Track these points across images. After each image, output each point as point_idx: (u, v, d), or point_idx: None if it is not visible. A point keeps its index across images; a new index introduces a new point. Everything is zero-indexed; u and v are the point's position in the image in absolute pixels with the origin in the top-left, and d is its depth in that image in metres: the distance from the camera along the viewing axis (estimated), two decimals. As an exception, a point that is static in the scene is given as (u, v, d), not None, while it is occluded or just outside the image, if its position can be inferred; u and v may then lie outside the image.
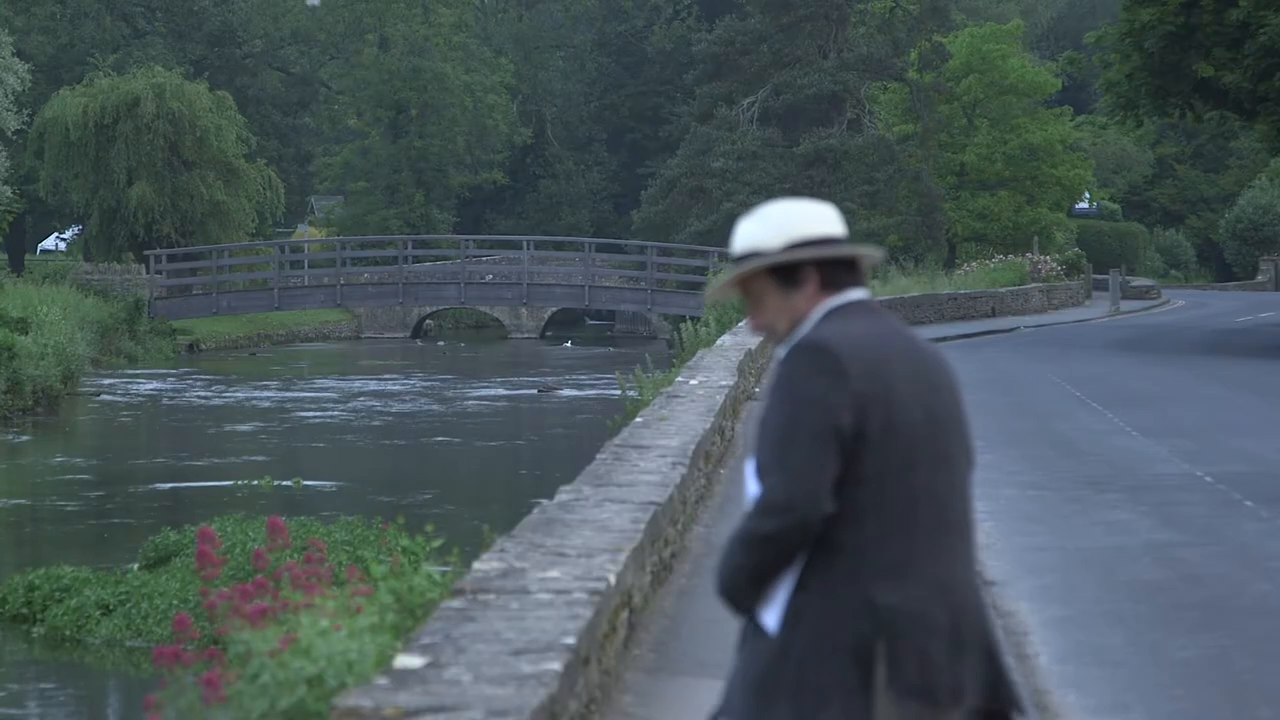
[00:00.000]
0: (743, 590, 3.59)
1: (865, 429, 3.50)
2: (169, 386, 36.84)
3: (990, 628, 3.63)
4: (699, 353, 20.50)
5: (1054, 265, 49.14)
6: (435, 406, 32.85)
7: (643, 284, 50.17)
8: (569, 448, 24.92)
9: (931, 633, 3.50)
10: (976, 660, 3.56)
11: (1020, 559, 10.91)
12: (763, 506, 3.53)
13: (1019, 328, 38.52)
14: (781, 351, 3.64)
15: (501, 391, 36.51)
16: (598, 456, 10.52)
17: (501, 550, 7.04)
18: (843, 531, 3.52)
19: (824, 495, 3.49)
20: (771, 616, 3.58)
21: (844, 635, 3.49)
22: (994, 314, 42.19)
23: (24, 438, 27.83)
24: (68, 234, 70.53)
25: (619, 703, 6.88)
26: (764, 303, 3.67)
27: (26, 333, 31.76)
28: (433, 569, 6.65)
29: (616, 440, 11.48)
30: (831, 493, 3.50)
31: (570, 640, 5.43)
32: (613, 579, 6.58)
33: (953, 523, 3.58)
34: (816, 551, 3.53)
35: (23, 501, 20.99)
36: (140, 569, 14.79)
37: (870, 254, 3.67)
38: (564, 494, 8.82)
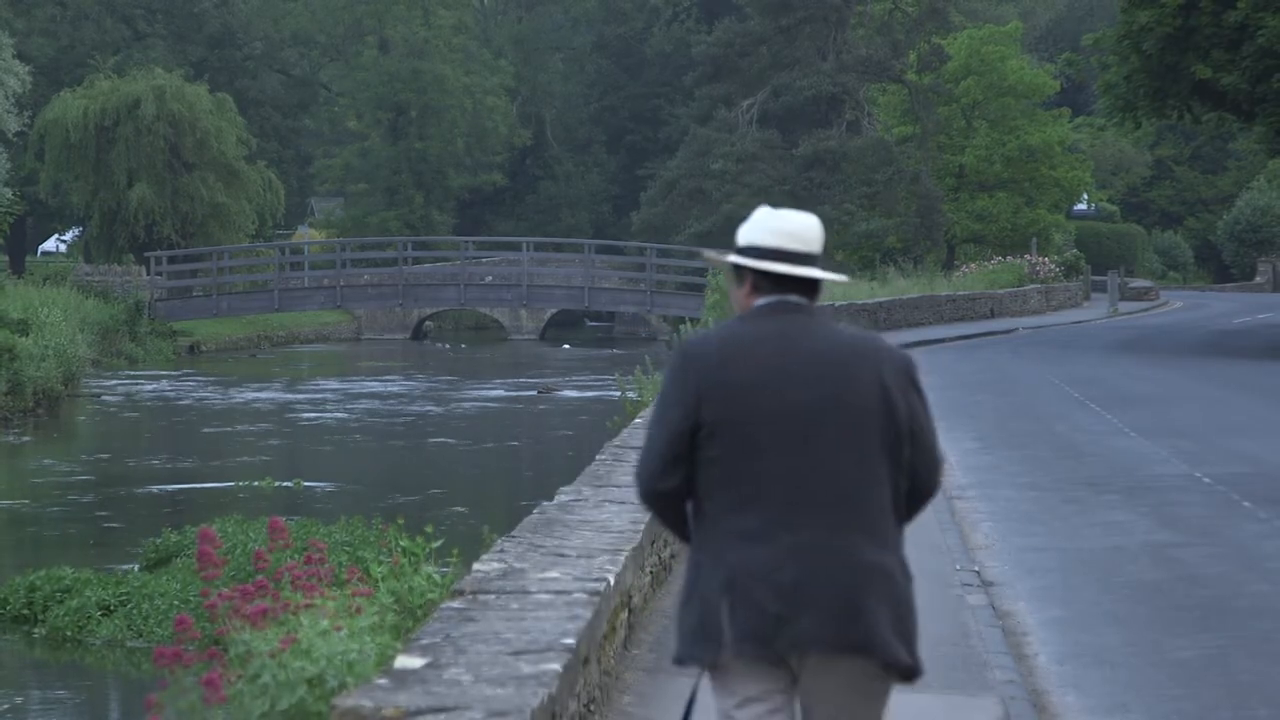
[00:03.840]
0: (667, 528, 4.34)
1: (701, 421, 4.15)
2: (169, 388, 36.86)
3: (863, 589, 4.09)
4: (698, 354, 20.49)
5: (1052, 266, 49.15)
6: (435, 408, 32.87)
7: (642, 285, 50.17)
8: (568, 449, 24.94)
9: (770, 589, 4.07)
10: (825, 615, 4.07)
11: (1019, 560, 10.93)
12: (634, 477, 4.32)
13: (1017, 329, 38.55)
14: None
15: (501, 393, 36.53)
16: (597, 458, 10.55)
17: (501, 551, 7.06)
18: (706, 503, 4.19)
19: (657, 475, 4.19)
20: None
21: (701, 588, 4.15)
22: (992, 315, 42.22)
23: (25, 439, 27.86)
24: (68, 235, 70.55)
25: (619, 703, 6.91)
26: (729, 287, 4.36)
27: (27, 334, 31.78)
28: (433, 570, 6.67)
29: (616, 441, 11.51)
30: (668, 473, 4.18)
31: (570, 640, 5.46)
32: (612, 579, 6.61)
33: (820, 497, 4.12)
34: (695, 518, 4.23)
35: (23, 502, 21.01)
36: (141, 570, 14.82)
37: (791, 272, 4.21)
38: (564, 495, 8.84)
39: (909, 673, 4.17)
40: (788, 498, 4.12)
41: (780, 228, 4.26)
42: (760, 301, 4.24)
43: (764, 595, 4.08)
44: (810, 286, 4.25)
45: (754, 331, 4.19)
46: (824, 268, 4.29)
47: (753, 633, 4.08)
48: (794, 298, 4.23)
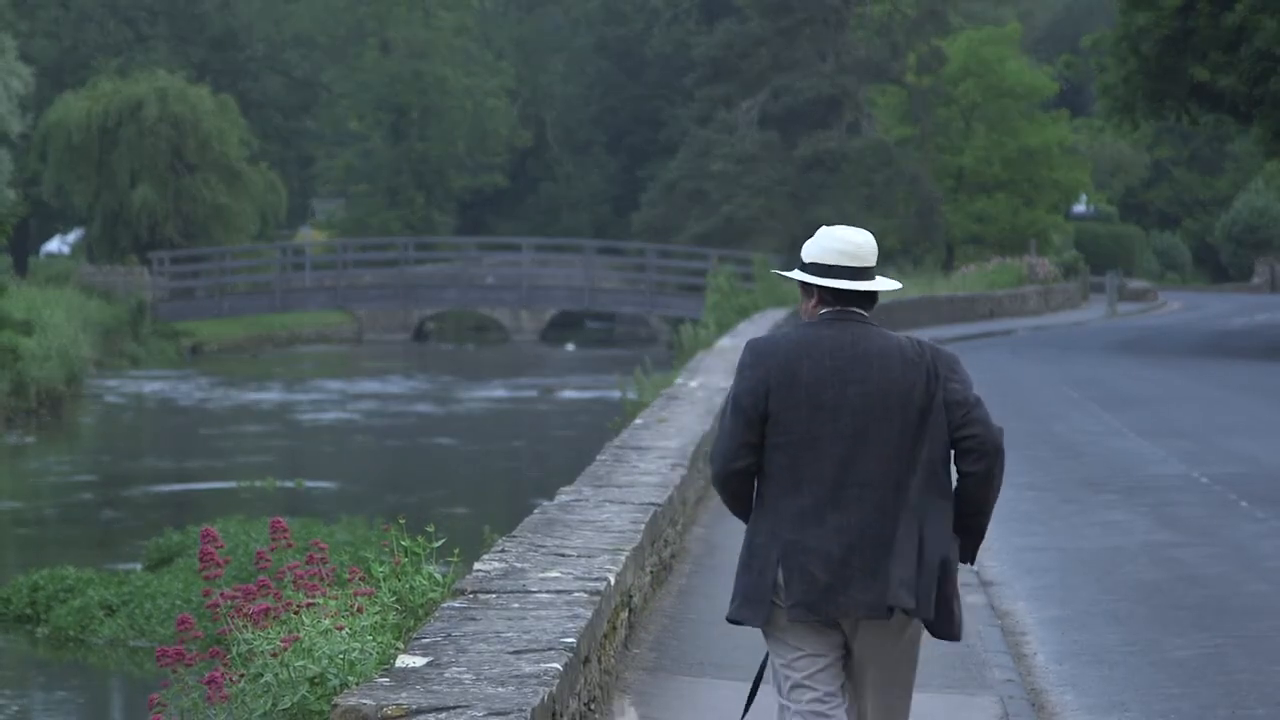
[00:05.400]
0: (732, 511, 4.94)
1: (768, 410, 4.75)
2: (172, 388, 36.90)
3: (898, 561, 4.69)
4: (698, 354, 20.57)
5: (1051, 267, 49.17)
6: (436, 408, 32.92)
7: (642, 286, 50.21)
8: (569, 449, 24.98)
9: (821, 562, 4.70)
10: (871, 585, 4.69)
11: (1018, 559, 10.97)
12: (709, 460, 4.99)
13: (1016, 330, 38.58)
14: None
15: (502, 393, 36.58)
16: (598, 458, 10.59)
17: (502, 550, 7.11)
18: (767, 486, 4.80)
19: (732, 457, 4.80)
20: None
21: (759, 559, 4.76)
22: (991, 316, 42.26)
23: (28, 439, 27.91)
24: (71, 236, 70.58)
25: (619, 701, 6.95)
26: (800, 298, 4.97)
27: (30, 334, 31.81)
28: (434, 569, 6.71)
29: (616, 441, 11.54)
30: (742, 455, 4.78)
31: (570, 640, 5.50)
32: (612, 579, 6.65)
33: (865, 482, 4.72)
34: (755, 502, 4.84)
35: (26, 502, 21.06)
36: (143, 569, 14.87)
37: (851, 288, 4.81)
38: (564, 495, 8.88)
39: (933, 628, 4.78)
40: (837, 482, 4.72)
41: (840, 248, 4.85)
42: (824, 311, 4.84)
43: (816, 568, 4.70)
44: (868, 297, 4.86)
45: (815, 336, 4.80)
46: (876, 275, 4.92)
47: (806, 600, 4.70)
48: (853, 309, 4.84)
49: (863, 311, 4.85)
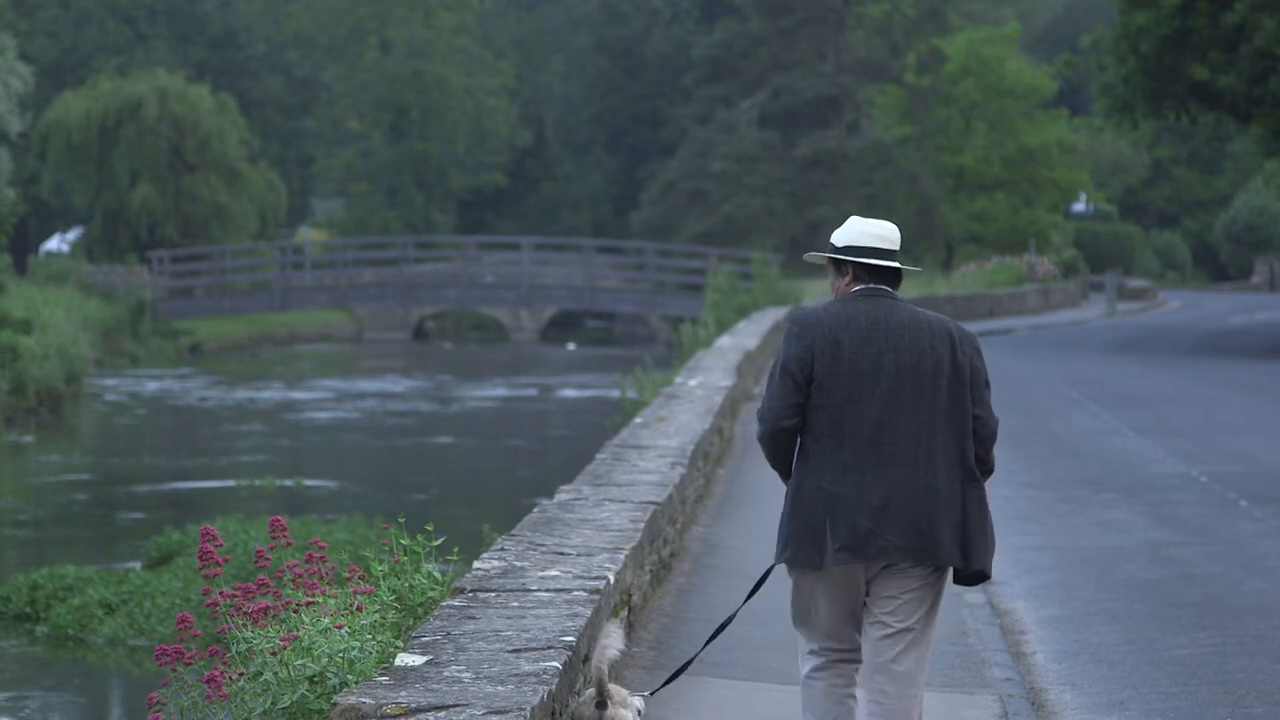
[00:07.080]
0: (773, 466, 5.44)
1: (813, 374, 5.28)
2: (172, 387, 36.90)
3: (932, 511, 5.24)
4: (698, 354, 20.58)
5: (1051, 267, 49.18)
6: (436, 407, 32.93)
7: (642, 285, 50.23)
8: (569, 448, 24.99)
9: (861, 509, 5.21)
10: (906, 530, 5.22)
11: (1017, 558, 10.98)
12: (757, 419, 5.41)
13: (1016, 328, 38.59)
14: None
15: (502, 392, 36.59)
16: (597, 456, 10.59)
17: (501, 549, 7.11)
18: (810, 443, 5.31)
19: (781, 416, 5.30)
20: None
21: (805, 509, 5.26)
22: (991, 315, 42.26)
23: (27, 438, 27.91)
24: (71, 235, 70.62)
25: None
26: (830, 278, 5.50)
27: (30, 333, 31.79)
28: (433, 568, 6.71)
29: (616, 440, 11.55)
30: (790, 414, 5.29)
31: (570, 639, 5.51)
32: (612, 578, 6.66)
33: (901, 439, 5.25)
34: (798, 457, 5.33)
35: (26, 502, 21.06)
36: (143, 568, 14.87)
37: (887, 265, 5.37)
38: (564, 493, 8.89)
39: (971, 576, 5.34)
40: (875, 439, 5.24)
41: (873, 231, 5.41)
42: (857, 288, 5.37)
43: (859, 515, 5.20)
44: (895, 277, 5.40)
45: (853, 309, 5.33)
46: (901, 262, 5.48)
47: (851, 544, 5.20)
48: (883, 286, 5.38)
49: (891, 289, 5.38)
